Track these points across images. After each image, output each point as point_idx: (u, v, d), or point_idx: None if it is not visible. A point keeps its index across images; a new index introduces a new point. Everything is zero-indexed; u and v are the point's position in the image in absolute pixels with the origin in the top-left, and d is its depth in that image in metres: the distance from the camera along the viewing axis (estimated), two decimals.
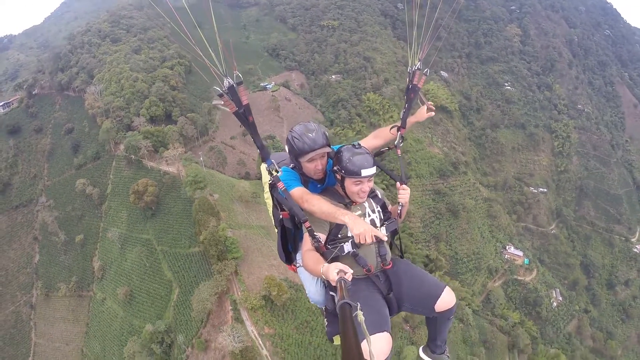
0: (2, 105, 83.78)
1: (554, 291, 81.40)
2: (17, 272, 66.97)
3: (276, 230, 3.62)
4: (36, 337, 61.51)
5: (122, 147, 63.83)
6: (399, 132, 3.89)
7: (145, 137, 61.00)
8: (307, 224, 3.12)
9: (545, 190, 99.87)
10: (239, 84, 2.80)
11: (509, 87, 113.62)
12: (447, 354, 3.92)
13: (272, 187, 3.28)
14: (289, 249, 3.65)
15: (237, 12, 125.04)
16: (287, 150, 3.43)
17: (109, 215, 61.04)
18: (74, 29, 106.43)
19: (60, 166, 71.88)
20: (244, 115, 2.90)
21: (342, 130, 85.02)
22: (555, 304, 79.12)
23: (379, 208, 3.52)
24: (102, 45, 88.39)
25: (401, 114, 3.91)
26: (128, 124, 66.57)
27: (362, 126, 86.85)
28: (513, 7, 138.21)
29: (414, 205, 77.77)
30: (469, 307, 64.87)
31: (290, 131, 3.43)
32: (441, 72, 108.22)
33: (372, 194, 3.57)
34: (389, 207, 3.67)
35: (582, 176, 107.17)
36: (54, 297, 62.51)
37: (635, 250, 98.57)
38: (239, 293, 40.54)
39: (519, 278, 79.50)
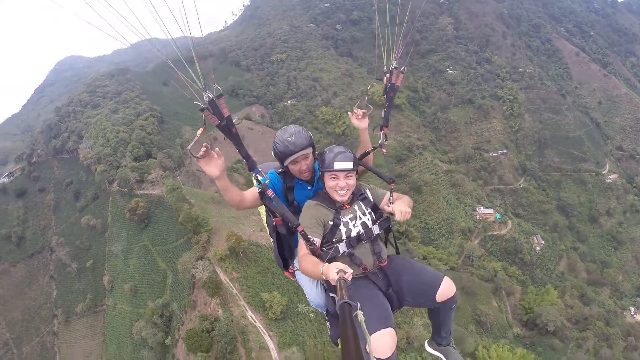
0: (7, 176, 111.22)
1: (534, 237, 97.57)
2: (38, 309, 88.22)
3: (271, 239, 4.15)
4: (61, 359, 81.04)
5: (115, 184, 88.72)
6: (382, 131, 4.37)
7: (132, 170, 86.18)
8: (301, 228, 3.56)
9: (505, 151, 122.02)
10: (219, 96, 3.13)
11: (451, 71, 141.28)
12: (453, 345, 4.36)
13: (262, 194, 3.71)
14: (285, 256, 4.20)
15: (191, 66, 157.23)
16: (273, 155, 3.95)
17: (111, 239, 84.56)
18: (60, 103, 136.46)
19: (66, 214, 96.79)
20: (227, 128, 3.24)
21: None
22: (538, 248, 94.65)
23: (369, 210, 3.96)
24: (85, 111, 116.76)
25: (382, 113, 4.36)
26: (117, 166, 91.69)
27: (320, 137, 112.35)
28: (442, 0, 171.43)
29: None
30: (446, 265, 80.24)
31: (274, 138, 3.92)
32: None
33: (360, 196, 4.00)
34: (381, 205, 4.05)
35: (538, 129, 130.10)
36: (73, 321, 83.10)
37: (608, 180, 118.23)
38: (211, 253, 62.95)
39: (495, 233, 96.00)
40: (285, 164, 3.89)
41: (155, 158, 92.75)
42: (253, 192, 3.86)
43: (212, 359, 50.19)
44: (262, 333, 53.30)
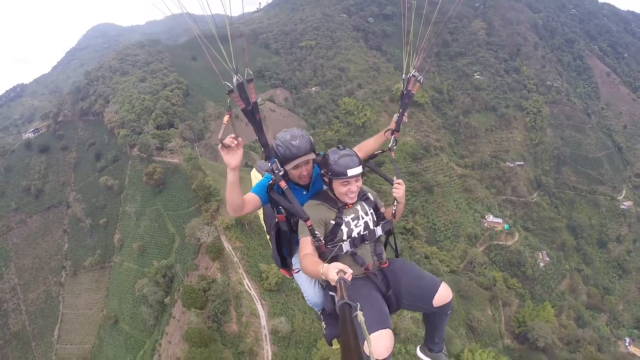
0: (32, 131, 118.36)
1: (540, 253, 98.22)
2: (48, 259, 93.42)
3: (268, 236, 4.30)
4: (64, 308, 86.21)
5: (135, 149, 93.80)
6: (393, 136, 4.55)
7: (153, 137, 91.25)
8: (309, 222, 3.69)
9: (522, 163, 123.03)
10: (249, 81, 3.26)
11: (478, 77, 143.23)
12: (445, 352, 4.48)
13: (271, 187, 3.81)
14: (283, 254, 4.33)
15: (225, 45, 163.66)
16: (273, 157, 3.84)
17: (126, 200, 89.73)
18: (90, 68, 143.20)
19: (85, 172, 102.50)
20: (252, 113, 3.41)
21: (322, 131, 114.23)
22: (542, 264, 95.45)
23: (371, 210, 4.10)
24: (114, 77, 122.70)
25: (395, 117, 4.56)
26: (139, 132, 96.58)
27: (340, 126, 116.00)
28: (477, 4, 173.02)
29: (389, 187, 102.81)
30: (447, 267, 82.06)
31: (275, 139, 3.91)
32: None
33: (363, 197, 4.15)
34: (382, 209, 4.25)
35: (558, 145, 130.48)
36: (80, 274, 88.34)
37: (622, 206, 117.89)
38: (218, 221, 67.13)
39: (501, 243, 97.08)
40: (286, 168, 3.87)
41: (177, 128, 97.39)
42: (252, 196, 3.95)
43: (205, 317, 53.90)
44: (255, 301, 56.84)
